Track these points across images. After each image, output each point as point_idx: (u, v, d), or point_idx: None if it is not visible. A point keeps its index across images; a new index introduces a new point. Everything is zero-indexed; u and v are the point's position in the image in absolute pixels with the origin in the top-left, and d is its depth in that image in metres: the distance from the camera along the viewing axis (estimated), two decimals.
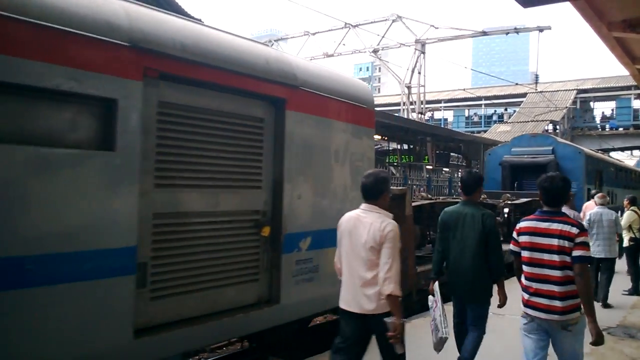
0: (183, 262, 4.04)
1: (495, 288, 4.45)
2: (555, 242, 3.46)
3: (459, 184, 5.28)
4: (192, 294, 4.11)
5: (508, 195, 12.94)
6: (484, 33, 28.49)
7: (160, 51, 3.78)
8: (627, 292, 8.99)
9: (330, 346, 3.80)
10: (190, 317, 4.10)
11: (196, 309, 4.15)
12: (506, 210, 11.87)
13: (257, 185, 4.73)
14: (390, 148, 27.90)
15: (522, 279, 3.71)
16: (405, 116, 27.72)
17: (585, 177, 16.46)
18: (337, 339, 3.73)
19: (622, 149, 37.23)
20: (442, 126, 37.89)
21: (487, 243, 4.33)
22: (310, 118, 5.17)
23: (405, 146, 26.62)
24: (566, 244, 3.43)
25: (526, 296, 3.62)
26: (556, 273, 3.46)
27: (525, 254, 3.64)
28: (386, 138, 25.81)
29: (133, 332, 3.61)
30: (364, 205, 3.68)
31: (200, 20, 9.44)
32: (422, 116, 29.44)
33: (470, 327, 4.45)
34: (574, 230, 3.45)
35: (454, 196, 16.30)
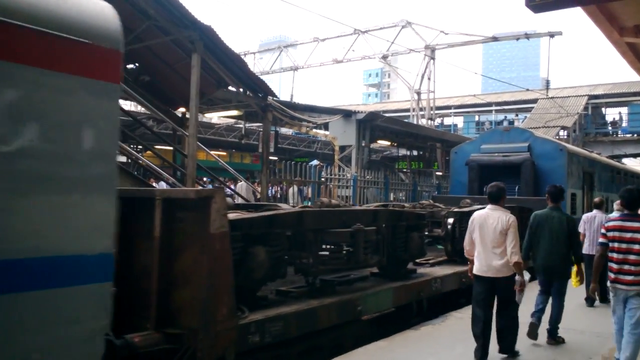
0: None
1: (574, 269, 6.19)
2: (638, 236, 4.70)
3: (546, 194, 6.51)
4: None
5: (468, 201, 10.32)
6: (495, 38, 28.50)
7: None
8: None
9: None
10: None
11: None
12: (450, 221, 8.57)
13: None
14: (400, 154, 27.92)
15: (610, 263, 4.85)
16: (415, 122, 27.72)
17: (568, 180, 13.57)
18: (475, 296, 5.39)
19: (635, 155, 36.86)
20: (452, 132, 37.78)
21: (570, 238, 6.07)
22: None
23: (415, 153, 26.60)
24: None
25: (613, 275, 4.81)
26: (637, 258, 4.68)
27: (614, 244, 4.82)
28: (396, 144, 25.84)
29: None
30: (490, 206, 5.39)
31: (210, 26, 9.47)
32: (432, 122, 29.40)
33: (555, 297, 6.15)
34: None
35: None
